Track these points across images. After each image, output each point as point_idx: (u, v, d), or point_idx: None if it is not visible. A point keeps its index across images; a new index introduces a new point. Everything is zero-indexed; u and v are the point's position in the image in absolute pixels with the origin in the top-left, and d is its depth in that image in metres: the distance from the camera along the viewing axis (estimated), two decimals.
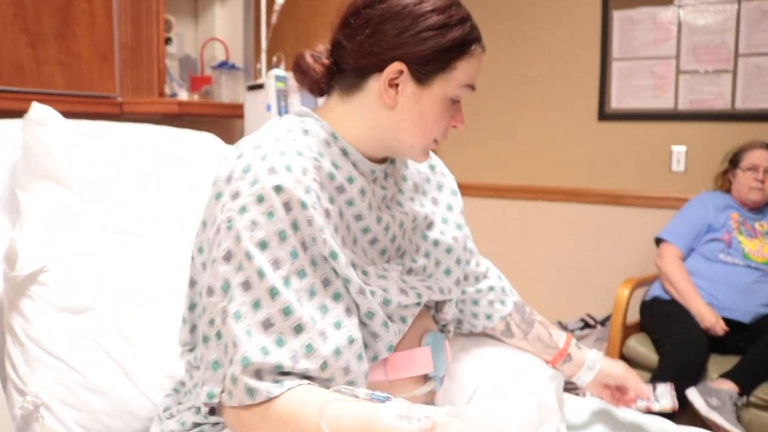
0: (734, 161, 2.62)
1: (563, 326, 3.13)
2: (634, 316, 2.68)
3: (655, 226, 2.72)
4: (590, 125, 3.23)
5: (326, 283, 0.91)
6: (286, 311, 0.86)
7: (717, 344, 2.38)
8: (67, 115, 1.39)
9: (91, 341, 1.13)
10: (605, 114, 3.18)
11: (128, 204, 1.30)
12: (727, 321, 2.39)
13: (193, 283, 1.05)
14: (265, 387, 0.82)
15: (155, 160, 1.45)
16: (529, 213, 3.41)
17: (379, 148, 1.02)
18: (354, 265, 0.96)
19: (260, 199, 0.88)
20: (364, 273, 0.99)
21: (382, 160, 1.07)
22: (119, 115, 2.32)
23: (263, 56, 2.39)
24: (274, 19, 2.25)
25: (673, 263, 2.55)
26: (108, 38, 2.32)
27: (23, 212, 1.19)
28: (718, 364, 2.31)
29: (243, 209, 0.88)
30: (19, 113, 1.36)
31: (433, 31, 0.95)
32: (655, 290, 2.63)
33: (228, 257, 0.88)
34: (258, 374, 0.83)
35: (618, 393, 1.30)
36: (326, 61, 1.02)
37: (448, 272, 1.15)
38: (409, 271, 1.09)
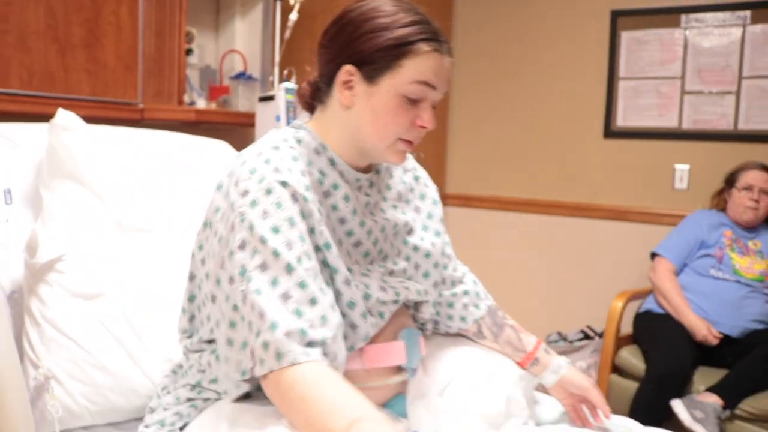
0: (730, 181, 2.70)
1: (563, 337, 3.21)
2: (630, 328, 2.76)
3: (658, 242, 2.79)
4: (596, 142, 3.31)
5: (320, 270, 1.03)
6: (302, 285, 0.97)
7: (705, 357, 2.45)
8: (92, 119, 1.52)
9: (100, 325, 1.26)
10: (611, 131, 3.27)
11: (141, 204, 1.43)
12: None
13: (192, 277, 1.17)
14: (293, 352, 0.93)
15: (168, 164, 1.58)
16: (534, 226, 3.50)
17: (356, 153, 1.13)
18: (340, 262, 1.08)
19: (268, 192, 1.00)
20: (349, 270, 1.10)
21: (368, 169, 1.18)
22: (140, 120, 2.46)
23: (276, 69, 2.52)
24: (287, 34, 2.38)
25: (665, 277, 2.62)
26: (132, 49, 2.46)
27: (45, 208, 1.33)
28: (706, 377, 2.38)
29: (254, 203, 1.00)
30: (48, 117, 1.50)
31: (377, 32, 1.05)
32: (649, 303, 2.71)
33: (243, 246, 0.99)
34: (287, 338, 0.93)
35: (579, 406, 1.36)
36: (312, 79, 1.15)
37: (426, 275, 1.25)
38: (391, 273, 1.20)
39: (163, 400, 1.15)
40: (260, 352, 0.95)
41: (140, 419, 1.21)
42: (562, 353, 3.18)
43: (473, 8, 3.56)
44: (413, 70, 1.05)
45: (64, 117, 1.41)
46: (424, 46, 1.05)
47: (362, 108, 1.08)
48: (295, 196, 1.01)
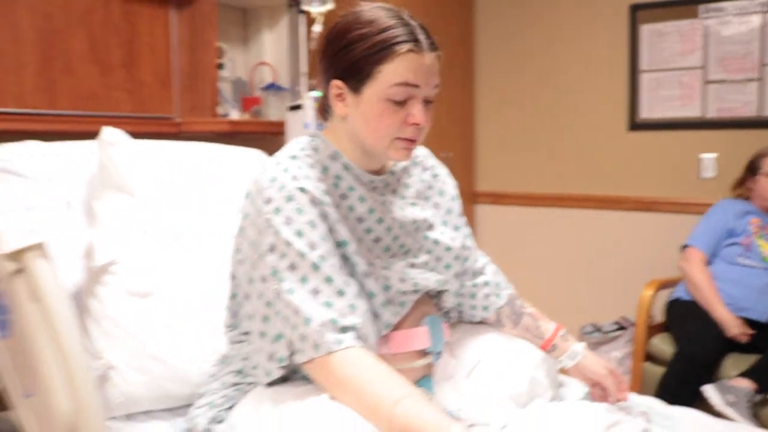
0: (752, 168, 2.71)
1: (597, 328, 3.26)
2: (662, 317, 2.80)
3: (686, 231, 2.80)
4: (621, 135, 3.36)
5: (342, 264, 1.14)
6: (328, 280, 1.09)
7: (735, 343, 2.47)
8: (133, 134, 1.64)
9: (152, 320, 1.38)
10: (635, 124, 3.31)
11: (183, 211, 1.54)
12: (745, 320, 2.49)
13: (233, 277, 1.28)
14: (329, 341, 1.04)
15: (207, 173, 1.69)
16: (563, 220, 3.55)
17: (365, 157, 1.22)
18: (359, 256, 1.18)
19: (289, 199, 1.11)
20: (371, 264, 1.20)
21: (382, 171, 1.27)
22: (177, 134, 2.59)
23: (302, 79, 2.63)
24: (313, 44, 2.50)
25: (697, 268, 2.63)
26: (167, 66, 2.60)
27: (98, 217, 1.45)
28: (737, 363, 2.40)
29: (277, 210, 1.11)
30: (93, 134, 1.63)
31: (353, 44, 1.12)
32: (678, 292, 2.74)
33: (272, 249, 1.10)
34: (322, 329, 1.05)
35: (599, 390, 1.40)
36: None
37: (447, 267, 1.34)
38: (413, 266, 1.29)
39: (212, 386, 1.27)
40: (299, 343, 1.07)
41: (191, 405, 1.32)
42: (596, 344, 3.22)
43: (494, 6, 3.64)
44: (392, 73, 1.11)
45: (111, 134, 1.54)
46: (398, 48, 1.10)
47: (355, 116, 1.16)
48: (313, 201, 1.12)
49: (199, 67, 2.64)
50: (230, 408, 1.22)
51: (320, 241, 1.11)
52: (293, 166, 1.15)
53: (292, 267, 1.09)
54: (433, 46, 1.15)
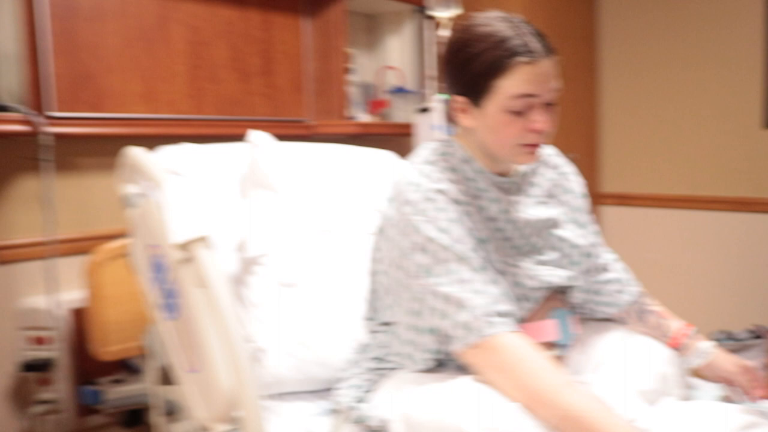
0: None
1: (730, 335, 3.13)
2: None
3: None
4: (755, 132, 3.21)
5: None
6: (478, 270, 1.15)
7: None
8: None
9: (299, 308, 1.49)
10: None
11: (322, 208, 1.65)
12: None
13: (373, 273, 1.37)
14: (485, 327, 1.10)
15: (343, 172, 1.80)
16: (693, 222, 3.43)
17: (492, 161, 1.28)
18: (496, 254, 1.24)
19: (429, 200, 1.19)
20: (503, 262, 1.26)
21: (509, 172, 1.32)
22: (309, 136, 2.74)
23: (429, 82, 2.72)
24: (438, 48, 2.58)
25: None
26: (299, 73, 2.76)
27: (248, 213, 1.58)
28: None
29: (418, 211, 1.19)
30: (232, 137, 1.77)
31: (469, 62, 1.17)
32: None
33: (416, 248, 1.18)
34: (477, 315, 1.11)
35: (735, 390, 1.39)
36: None
37: (575, 264, 1.37)
38: (541, 263, 1.33)
39: (353, 371, 1.37)
40: (454, 331, 1.13)
41: (332, 389, 1.43)
42: (731, 352, 3.09)
43: (618, 3, 3.57)
44: (509, 87, 1.14)
45: (257, 136, 1.67)
46: (512, 61, 1.13)
47: (479, 128, 1.22)
48: (452, 201, 1.19)
49: (330, 72, 2.78)
50: (369, 390, 1.30)
51: (464, 236, 1.17)
52: (430, 170, 1.23)
53: (438, 261, 1.15)
54: (549, 51, 1.17)
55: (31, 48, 2.01)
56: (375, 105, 3.03)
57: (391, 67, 3.14)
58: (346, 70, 2.83)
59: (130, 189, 1.54)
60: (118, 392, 2.07)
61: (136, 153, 1.48)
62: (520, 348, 1.09)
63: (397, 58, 3.17)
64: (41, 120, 2.00)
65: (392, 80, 3.13)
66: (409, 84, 3.10)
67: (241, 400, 1.18)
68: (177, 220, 1.26)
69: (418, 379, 1.20)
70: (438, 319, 1.15)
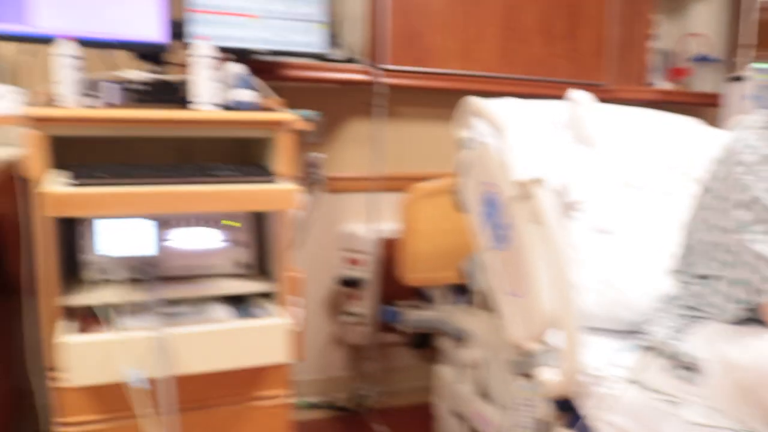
0: None
1: None
2: None
3: None
4: None
5: None
6: None
7: None
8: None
9: (610, 253, 1.62)
10: None
11: (636, 165, 1.75)
12: None
13: (692, 230, 1.44)
14: None
15: (651, 134, 1.87)
16: None
17: None
18: None
19: (761, 162, 1.24)
20: None
21: None
22: (608, 100, 2.78)
23: (741, 51, 2.61)
24: (755, 15, 2.46)
25: None
26: (602, 37, 2.81)
27: (568, 163, 1.72)
28: None
29: (748, 171, 1.25)
30: (536, 96, 1.89)
31: None
32: None
33: (741, 205, 1.25)
34: None
35: None
36: None
37: None
38: None
39: (660, 316, 1.46)
40: (764, 285, 1.20)
41: (632, 332, 1.54)
42: None
43: None
44: None
45: (578, 95, 1.80)
46: None
47: None
48: None
49: (632, 37, 2.79)
50: (682, 332, 1.38)
51: None
52: (763, 136, 1.27)
53: (758, 220, 1.22)
54: None
55: (372, 9, 2.32)
56: (675, 72, 2.98)
57: (695, 34, 3.04)
58: (649, 36, 2.82)
59: (466, 133, 1.74)
60: (414, 315, 2.35)
61: (479, 102, 1.68)
62: None
63: (702, 24, 3.07)
64: (379, 71, 2.32)
65: (694, 48, 3.04)
66: (715, 52, 2.99)
67: (561, 323, 1.33)
68: (518, 162, 1.44)
69: (736, 329, 1.27)
70: (749, 272, 1.22)
